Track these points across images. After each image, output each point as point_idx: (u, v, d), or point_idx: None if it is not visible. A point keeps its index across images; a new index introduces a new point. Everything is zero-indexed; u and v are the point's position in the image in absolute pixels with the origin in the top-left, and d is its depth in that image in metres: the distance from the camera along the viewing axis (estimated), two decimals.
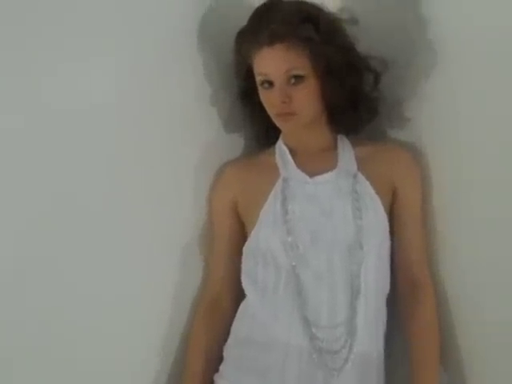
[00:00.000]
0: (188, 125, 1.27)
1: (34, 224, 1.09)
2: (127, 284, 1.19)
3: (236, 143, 1.35)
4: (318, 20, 1.17)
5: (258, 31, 1.16)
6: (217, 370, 1.21)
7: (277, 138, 1.30)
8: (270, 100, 1.19)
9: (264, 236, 1.20)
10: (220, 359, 1.22)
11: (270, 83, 1.17)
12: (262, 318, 1.18)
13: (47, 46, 1.08)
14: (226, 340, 1.23)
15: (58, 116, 1.10)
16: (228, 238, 1.27)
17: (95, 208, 1.15)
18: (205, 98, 1.28)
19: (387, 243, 1.21)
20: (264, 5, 1.19)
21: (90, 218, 1.15)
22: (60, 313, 1.12)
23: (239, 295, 1.25)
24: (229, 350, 1.21)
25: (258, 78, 1.19)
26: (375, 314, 1.18)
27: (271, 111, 1.20)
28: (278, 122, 1.21)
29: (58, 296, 1.12)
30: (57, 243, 1.11)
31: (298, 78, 1.16)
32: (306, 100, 1.17)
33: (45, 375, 1.12)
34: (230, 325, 1.24)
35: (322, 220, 1.18)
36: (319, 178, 1.21)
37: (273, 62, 1.16)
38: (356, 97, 1.21)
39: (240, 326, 1.22)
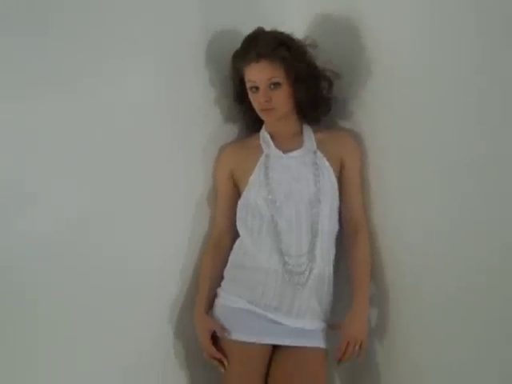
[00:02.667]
0: (199, 118, 1.77)
1: (94, 186, 1.59)
2: (160, 229, 1.70)
3: (232, 131, 1.84)
4: (289, 44, 1.65)
5: (248, 52, 1.64)
6: (219, 286, 1.72)
7: (260, 127, 1.77)
8: (256, 99, 1.66)
9: (252, 195, 1.69)
10: (221, 278, 1.73)
11: (257, 88, 1.65)
12: (250, 250, 1.68)
13: (106, 61, 1.58)
14: (225, 266, 1.73)
15: (110, 108, 1.60)
16: (227, 197, 1.76)
17: (136, 175, 1.65)
18: (210, 100, 1.78)
19: (337, 199, 1.70)
20: (252, 33, 1.67)
21: (134, 183, 1.65)
22: (109, 245, 1.61)
23: (235, 236, 1.75)
24: (227, 273, 1.72)
25: (248, 85, 1.67)
26: (328, 248, 1.68)
27: (257, 107, 1.68)
28: (261, 115, 1.69)
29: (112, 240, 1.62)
30: (108, 199, 1.61)
31: (276, 85, 1.63)
32: (282, 99, 1.65)
33: (101, 308, 1.58)
34: (228, 256, 1.74)
35: (293, 183, 1.67)
36: (290, 154, 1.69)
37: (258, 73, 1.63)
38: (316, 97, 1.69)
39: (235, 256, 1.72)
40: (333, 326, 1.68)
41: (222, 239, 1.76)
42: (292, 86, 1.65)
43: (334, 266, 1.71)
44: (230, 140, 1.83)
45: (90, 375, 1.59)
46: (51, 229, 1.51)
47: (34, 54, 1.46)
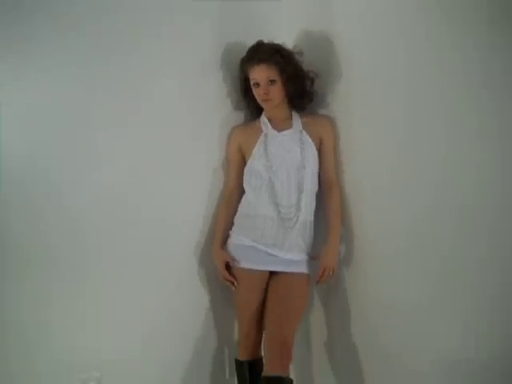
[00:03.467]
0: (216, 107, 2.37)
1: (141, 159, 2.20)
2: (186, 190, 2.30)
3: (240, 117, 2.43)
4: (282, 52, 2.23)
5: (251, 58, 2.23)
6: (231, 229, 2.31)
7: (261, 114, 2.34)
8: (258, 93, 2.24)
9: (255, 163, 2.27)
10: (232, 224, 2.31)
11: (258, 84, 2.23)
12: (253, 203, 2.26)
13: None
14: (235, 215, 2.31)
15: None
16: (236, 165, 2.34)
17: (169, 151, 2.26)
18: (223, 94, 2.37)
19: (317, 166, 2.28)
20: (254, 44, 2.25)
21: (168, 156, 2.25)
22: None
23: (242, 194, 2.33)
24: (236, 220, 2.31)
25: (252, 82, 2.24)
26: (310, 201, 2.27)
27: (258, 99, 2.26)
28: (262, 104, 2.27)
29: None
30: (150, 168, 2.22)
31: (272, 81, 2.21)
32: (277, 93, 2.23)
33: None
34: (237, 208, 2.32)
35: (285, 154, 2.25)
36: (283, 133, 2.28)
37: (259, 73, 2.21)
38: (302, 91, 2.27)
39: (242, 207, 2.31)
40: (313, 257, 2.28)
41: (232, 196, 2.34)
42: (284, 83, 2.22)
43: (314, 215, 2.29)
44: (238, 124, 2.41)
45: (129, 299, 2.16)
46: (108, 190, 2.13)
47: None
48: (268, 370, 2.12)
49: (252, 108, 2.36)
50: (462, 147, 1.88)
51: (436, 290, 2.00)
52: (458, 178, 1.90)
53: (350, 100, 2.26)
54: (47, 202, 2.03)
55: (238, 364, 2.29)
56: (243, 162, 2.33)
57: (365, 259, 2.24)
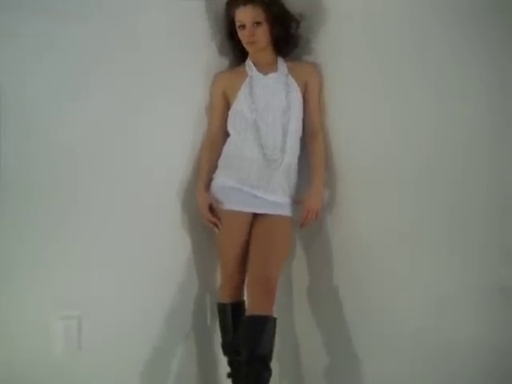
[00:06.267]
0: (200, 52, 2.34)
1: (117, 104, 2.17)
2: (168, 132, 2.27)
3: (224, 62, 2.40)
4: None
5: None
6: (214, 172, 2.28)
7: (245, 59, 2.33)
8: (243, 35, 2.23)
9: (240, 105, 2.27)
10: (216, 167, 2.29)
11: (244, 26, 2.22)
12: (238, 145, 2.25)
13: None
14: (218, 158, 2.30)
15: None
16: (220, 109, 2.32)
17: (151, 92, 2.24)
18: (208, 36, 2.35)
19: (301, 110, 2.28)
20: None
21: (149, 99, 2.23)
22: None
23: (225, 138, 2.32)
24: (221, 162, 2.29)
25: (237, 24, 2.24)
26: (295, 144, 2.27)
27: (244, 41, 2.25)
28: (247, 47, 2.26)
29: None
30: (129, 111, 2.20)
31: (258, 23, 2.21)
32: (262, 35, 2.22)
33: None
34: (221, 151, 2.30)
35: (270, 97, 2.25)
36: (268, 75, 2.28)
37: (245, 15, 2.21)
38: (287, 34, 2.27)
39: (227, 150, 2.29)
40: (297, 200, 2.27)
41: (216, 138, 2.32)
42: (270, 25, 2.22)
43: (298, 161, 2.28)
44: (223, 69, 2.39)
45: (111, 242, 2.14)
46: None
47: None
48: (251, 309, 2.10)
49: (236, 52, 2.35)
50: (453, 95, 1.94)
51: (421, 235, 2.03)
52: (450, 124, 1.96)
53: (336, 46, 2.26)
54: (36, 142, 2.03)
55: (221, 307, 2.26)
56: (227, 107, 2.32)
57: (348, 203, 2.25)
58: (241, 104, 2.25)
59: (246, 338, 2.09)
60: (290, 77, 2.27)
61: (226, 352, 2.27)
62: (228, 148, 2.29)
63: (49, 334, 2.05)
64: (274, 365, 2.11)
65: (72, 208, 2.09)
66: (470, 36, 1.92)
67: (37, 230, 2.03)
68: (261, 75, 2.28)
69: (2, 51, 1.97)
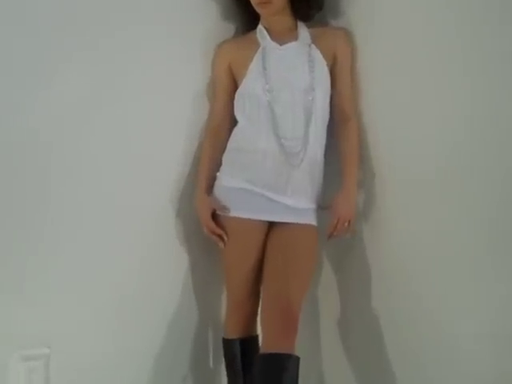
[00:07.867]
0: (199, 17, 1.92)
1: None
2: (161, 119, 1.86)
3: (229, 28, 1.99)
4: None
5: None
6: (218, 170, 1.87)
7: (256, 25, 1.90)
8: None
9: (250, 84, 1.84)
10: (220, 163, 1.87)
11: None
12: (248, 135, 1.83)
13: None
14: (223, 152, 1.87)
15: None
16: (225, 89, 1.91)
17: (139, 71, 1.81)
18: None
19: (328, 90, 1.86)
20: None
21: (138, 79, 1.81)
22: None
23: (231, 126, 1.90)
24: (226, 157, 1.88)
25: None
26: (321, 134, 1.85)
27: (254, 1, 1.81)
28: (258, 9, 1.82)
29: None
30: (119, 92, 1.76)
31: None
32: None
33: None
34: (226, 143, 1.88)
35: (288, 73, 1.82)
36: (286, 45, 1.84)
37: None
38: None
39: (233, 141, 1.87)
40: (324, 206, 1.84)
41: (220, 128, 1.92)
42: None
43: (324, 152, 1.86)
44: (227, 38, 1.96)
45: (96, 246, 1.75)
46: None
47: None
48: (267, 346, 1.71)
49: (244, 15, 1.93)
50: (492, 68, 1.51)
51: (477, 250, 1.60)
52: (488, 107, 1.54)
53: (374, 9, 1.81)
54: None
55: (227, 344, 1.89)
56: (234, 85, 1.91)
57: (388, 211, 1.82)
58: (251, 83, 1.83)
59: (262, 383, 1.69)
60: (313, 47, 1.83)
61: None
62: (235, 139, 1.88)
63: (8, 379, 1.67)
64: None
65: (37, 218, 1.66)
66: None
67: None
68: (276, 45, 1.85)
69: None
